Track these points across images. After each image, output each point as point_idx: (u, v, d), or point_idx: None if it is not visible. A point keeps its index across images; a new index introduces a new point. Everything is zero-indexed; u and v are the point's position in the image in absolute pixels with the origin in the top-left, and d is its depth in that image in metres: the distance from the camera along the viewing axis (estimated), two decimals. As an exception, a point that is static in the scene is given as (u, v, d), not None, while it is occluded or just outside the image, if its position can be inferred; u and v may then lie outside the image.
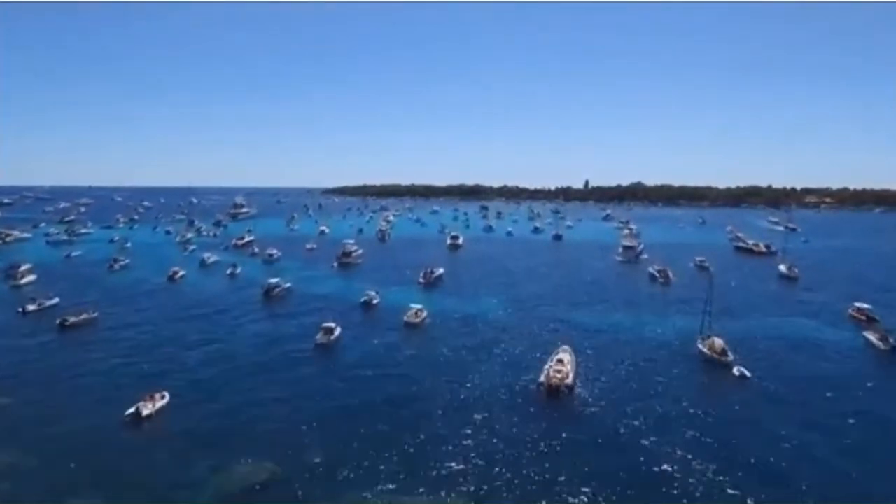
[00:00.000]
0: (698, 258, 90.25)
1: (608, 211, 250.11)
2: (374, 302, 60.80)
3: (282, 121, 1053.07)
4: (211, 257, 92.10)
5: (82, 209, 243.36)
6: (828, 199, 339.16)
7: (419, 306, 55.27)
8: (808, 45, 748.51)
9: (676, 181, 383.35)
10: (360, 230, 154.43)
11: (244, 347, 45.82)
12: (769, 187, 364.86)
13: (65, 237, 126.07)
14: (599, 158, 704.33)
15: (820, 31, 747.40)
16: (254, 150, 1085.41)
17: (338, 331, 47.78)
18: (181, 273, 77.74)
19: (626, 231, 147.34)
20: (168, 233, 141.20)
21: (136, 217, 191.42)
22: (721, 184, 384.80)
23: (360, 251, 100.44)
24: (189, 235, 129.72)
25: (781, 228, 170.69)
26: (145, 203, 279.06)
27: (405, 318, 52.94)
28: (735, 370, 39.40)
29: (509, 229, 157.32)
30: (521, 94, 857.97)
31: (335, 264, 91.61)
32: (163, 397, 33.34)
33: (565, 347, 41.64)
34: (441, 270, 79.43)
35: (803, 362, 43.10)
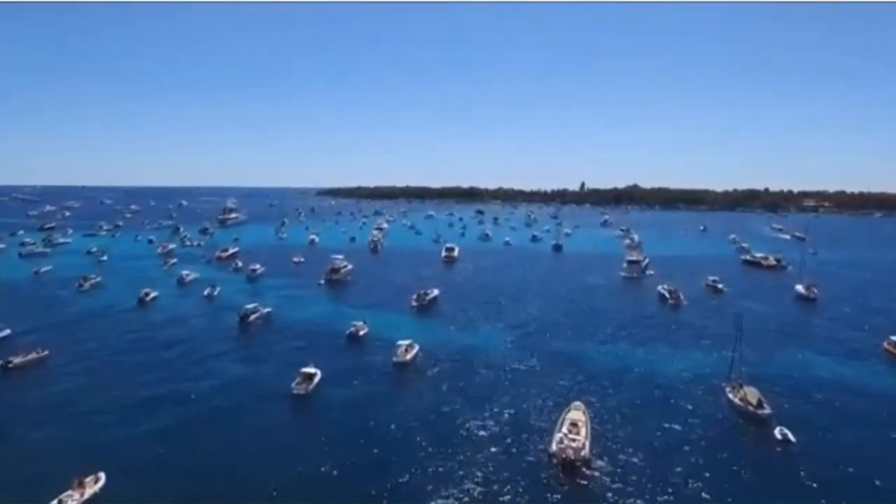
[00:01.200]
0: (710, 277, 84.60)
1: (606, 216, 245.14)
2: (362, 333, 55.11)
3: (280, 120, 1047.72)
4: (190, 275, 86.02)
5: (67, 213, 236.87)
6: (826, 203, 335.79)
7: (409, 341, 49.57)
8: (808, 45, 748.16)
9: (673, 184, 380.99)
10: (353, 238, 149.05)
11: (208, 399, 39.72)
12: (766, 191, 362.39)
13: (40, 248, 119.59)
14: (596, 160, 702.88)
15: (820, 31, 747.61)
16: (252, 151, 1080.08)
17: (318, 376, 42.02)
18: (153, 295, 71.65)
19: (629, 241, 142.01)
20: (150, 242, 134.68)
21: (120, 223, 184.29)
22: (718, 186, 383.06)
23: (350, 267, 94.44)
24: (171, 247, 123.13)
25: (787, 237, 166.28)
26: (133, 207, 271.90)
27: (394, 358, 47.18)
28: (777, 432, 33.86)
29: (507, 238, 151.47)
30: (519, 95, 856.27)
31: (322, 281, 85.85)
32: (97, 480, 27.53)
33: (577, 404, 36.04)
34: (436, 292, 73.60)
35: (848, 418, 37.47)
